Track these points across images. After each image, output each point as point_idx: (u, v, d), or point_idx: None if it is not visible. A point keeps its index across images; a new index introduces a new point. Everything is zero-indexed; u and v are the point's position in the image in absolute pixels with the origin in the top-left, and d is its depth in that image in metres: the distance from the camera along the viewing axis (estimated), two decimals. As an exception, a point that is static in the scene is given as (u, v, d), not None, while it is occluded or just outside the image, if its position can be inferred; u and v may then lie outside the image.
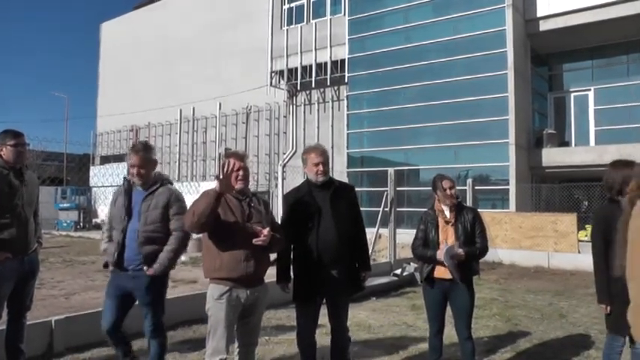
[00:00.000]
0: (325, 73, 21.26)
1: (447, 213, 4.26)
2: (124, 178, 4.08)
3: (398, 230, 10.67)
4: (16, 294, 4.05)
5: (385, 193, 10.53)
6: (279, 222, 4.03)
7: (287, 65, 22.49)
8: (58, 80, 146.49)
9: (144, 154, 3.96)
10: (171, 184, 4.17)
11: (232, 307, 3.43)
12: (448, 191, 4.20)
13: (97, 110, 34.98)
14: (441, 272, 4.16)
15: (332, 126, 21.74)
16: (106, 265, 4.03)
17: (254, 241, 3.41)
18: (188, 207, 3.61)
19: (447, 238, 4.19)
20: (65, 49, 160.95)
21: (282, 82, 23.10)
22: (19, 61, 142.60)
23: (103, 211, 24.35)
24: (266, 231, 3.43)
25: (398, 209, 11.42)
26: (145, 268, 3.85)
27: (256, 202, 3.65)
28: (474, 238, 4.20)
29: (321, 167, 3.91)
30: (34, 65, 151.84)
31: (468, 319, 4.23)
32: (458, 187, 4.47)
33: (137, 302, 4.02)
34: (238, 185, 3.54)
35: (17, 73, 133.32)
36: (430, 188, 4.41)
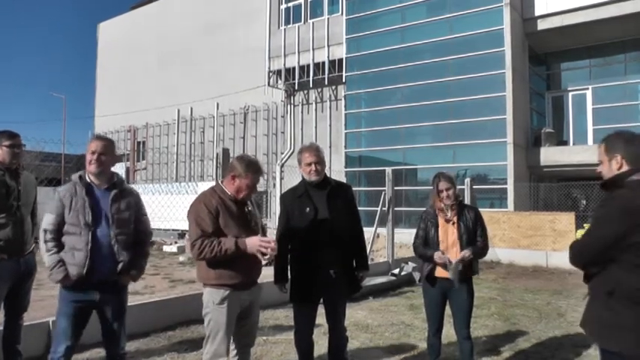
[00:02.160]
0: (323, 73, 21.25)
1: (448, 212, 4.25)
2: (79, 176, 3.52)
3: (396, 230, 10.66)
4: (13, 295, 4.03)
5: (383, 192, 10.52)
6: (277, 222, 4.04)
7: (284, 65, 22.48)
8: (55, 80, 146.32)
9: (107, 142, 3.60)
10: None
11: (233, 312, 3.42)
12: (445, 192, 4.19)
13: (94, 110, 34.97)
14: (442, 272, 4.16)
15: (330, 125, 21.73)
16: (65, 279, 3.39)
17: (262, 251, 3.31)
18: (191, 220, 3.41)
19: (447, 238, 4.19)
20: (62, 50, 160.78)
21: (279, 81, 23.08)
22: (16, 61, 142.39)
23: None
24: (273, 243, 3.33)
25: (396, 209, 11.42)
26: (116, 277, 3.50)
27: (251, 204, 3.64)
28: (475, 237, 4.20)
29: (313, 167, 3.89)
30: (32, 65, 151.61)
31: (467, 318, 4.23)
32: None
33: (101, 318, 3.56)
34: (247, 197, 3.54)
35: (14, 73, 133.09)
36: (428, 187, 4.40)
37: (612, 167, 2.64)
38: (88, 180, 3.53)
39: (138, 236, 3.67)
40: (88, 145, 3.53)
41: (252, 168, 3.48)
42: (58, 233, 3.44)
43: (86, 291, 3.43)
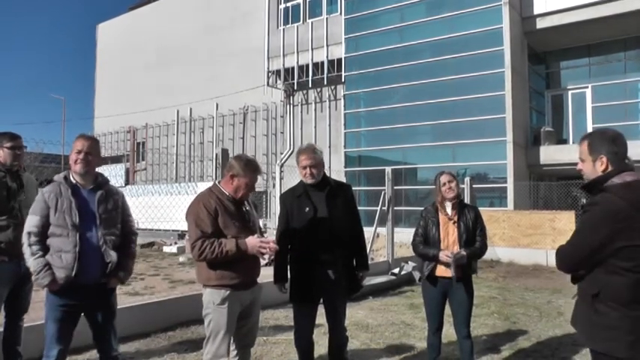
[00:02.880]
0: (322, 73, 21.25)
1: (449, 210, 4.25)
2: (64, 176, 3.43)
3: (396, 229, 10.65)
4: (14, 296, 4.03)
5: (383, 192, 10.51)
6: (277, 222, 4.05)
7: (284, 65, 22.48)
8: (55, 81, 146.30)
9: (93, 141, 3.52)
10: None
11: (234, 312, 3.42)
12: (447, 184, 4.19)
13: (94, 111, 34.97)
14: (443, 271, 4.15)
15: (329, 125, 21.74)
16: (52, 283, 3.27)
17: (263, 252, 3.34)
18: (190, 221, 3.39)
19: (448, 236, 4.19)
20: (62, 51, 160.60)
21: (279, 81, 23.08)
22: (16, 62, 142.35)
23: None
24: (272, 243, 3.35)
25: (395, 208, 11.41)
26: (105, 279, 3.44)
27: (248, 204, 3.65)
28: (474, 237, 4.20)
29: (308, 171, 3.89)
30: (31, 66, 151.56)
31: (467, 317, 4.22)
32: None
33: (91, 322, 3.51)
34: (245, 196, 3.54)
35: (14, 74, 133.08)
36: (428, 187, 4.42)
37: (597, 168, 2.58)
38: (73, 180, 3.44)
39: (124, 237, 3.61)
40: (73, 144, 3.45)
41: (251, 167, 3.48)
42: (42, 235, 3.32)
43: (74, 294, 3.33)
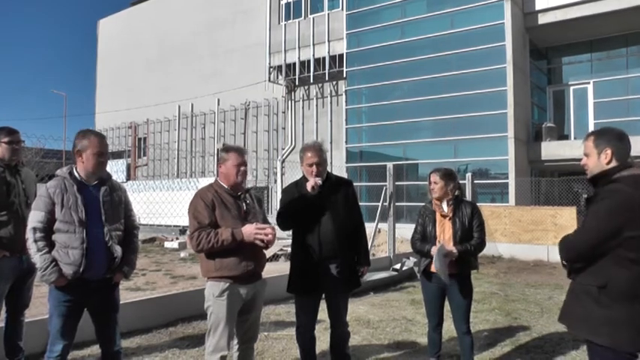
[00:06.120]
0: (323, 68, 21.23)
1: (445, 207, 4.25)
2: (69, 172, 3.36)
3: (397, 225, 10.63)
4: (15, 292, 4.04)
5: (384, 187, 10.50)
6: (277, 213, 4.04)
7: (285, 60, 22.46)
8: (56, 77, 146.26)
9: (105, 139, 3.47)
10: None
11: (233, 304, 3.42)
12: (432, 184, 4.25)
13: (95, 107, 34.96)
14: None
15: (330, 121, 21.73)
16: (59, 279, 3.23)
17: (259, 238, 3.33)
18: (190, 215, 3.42)
19: (444, 233, 4.19)
20: (63, 46, 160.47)
21: (280, 77, 23.06)
22: (17, 58, 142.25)
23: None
24: (269, 229, 3.35)
25: (397, 204, 11.39)
26: (110, 275, 3.43)
27: (250, 199, 3.64)
28: (471, 233, 4.19)
29: (315, 168, 3.89)
30: (33, 62, 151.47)
31: (466, 313, 4.23)
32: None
33: (95, 317, 3.50)
34: (238, 179, 3.53)
35: (15, 70, 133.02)
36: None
37: (601, 160, 2.61)
38: (78, 176, 3.37)
39: (127, 232, 3.59)
40: (88, 142, 3.33)
41: (233, 148, 3.55)
42: (47, 231, 3.26)
43: (78, 290, 3.30)
